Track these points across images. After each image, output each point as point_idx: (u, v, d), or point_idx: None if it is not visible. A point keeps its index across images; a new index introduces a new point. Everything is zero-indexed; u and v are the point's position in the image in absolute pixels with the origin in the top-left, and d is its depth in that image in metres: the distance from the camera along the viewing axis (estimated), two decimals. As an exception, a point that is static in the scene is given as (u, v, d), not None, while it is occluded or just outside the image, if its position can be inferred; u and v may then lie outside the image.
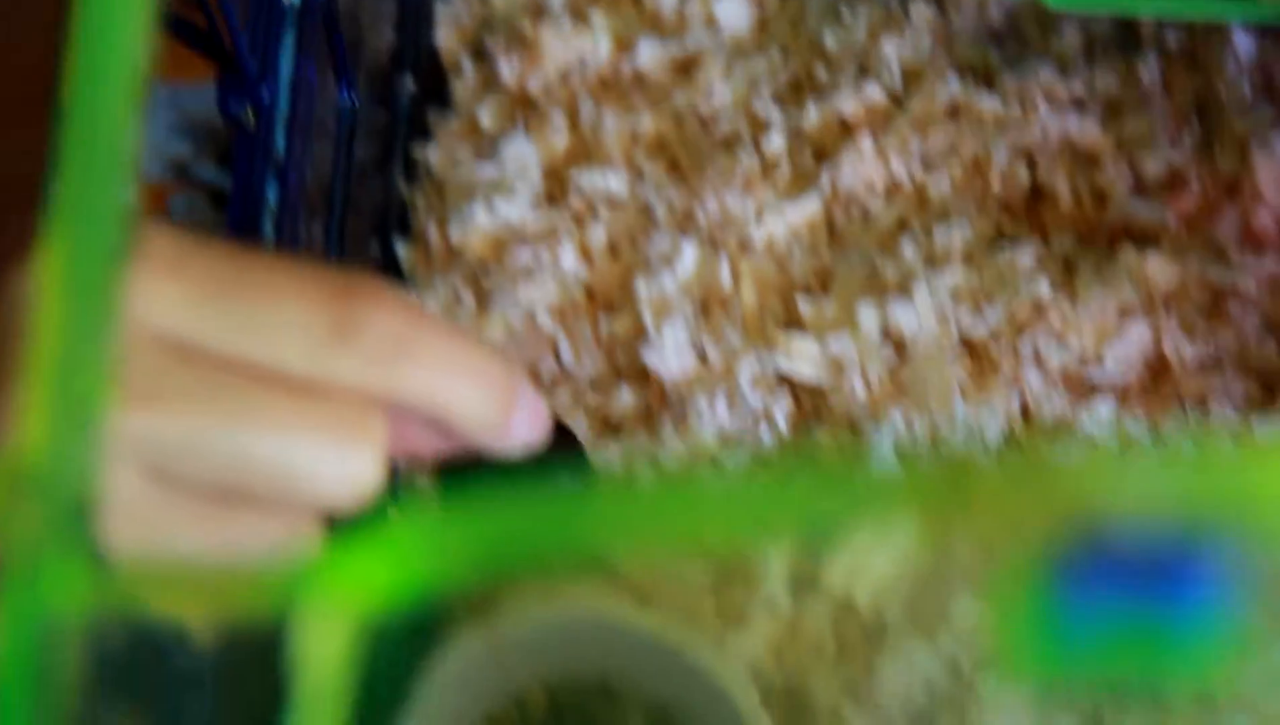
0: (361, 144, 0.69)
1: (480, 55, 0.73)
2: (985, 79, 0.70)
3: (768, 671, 0.60)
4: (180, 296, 0.39)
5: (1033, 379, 0.64)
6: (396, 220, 0.71)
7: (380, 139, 0.71)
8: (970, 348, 0.65)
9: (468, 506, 0.24)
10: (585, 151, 0.70)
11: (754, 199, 0.68)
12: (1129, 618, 0.20)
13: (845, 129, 0.70)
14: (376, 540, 0.24)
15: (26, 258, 0.37)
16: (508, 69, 0.72)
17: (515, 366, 0.42)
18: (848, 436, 0.63)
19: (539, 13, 0.72)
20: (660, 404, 0.65)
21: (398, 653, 0.56)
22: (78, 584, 0.25)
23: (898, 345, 0.65)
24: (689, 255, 0.66)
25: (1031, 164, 0.69)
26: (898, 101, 0.70)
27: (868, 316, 0.64)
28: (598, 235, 0.68)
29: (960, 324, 0.65)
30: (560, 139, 0.70)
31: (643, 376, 0.65)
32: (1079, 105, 0.69)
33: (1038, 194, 0.68)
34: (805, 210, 0.68)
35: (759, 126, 0.70)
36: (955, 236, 0.66)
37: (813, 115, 0.69)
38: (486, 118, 0.72)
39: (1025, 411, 0.64)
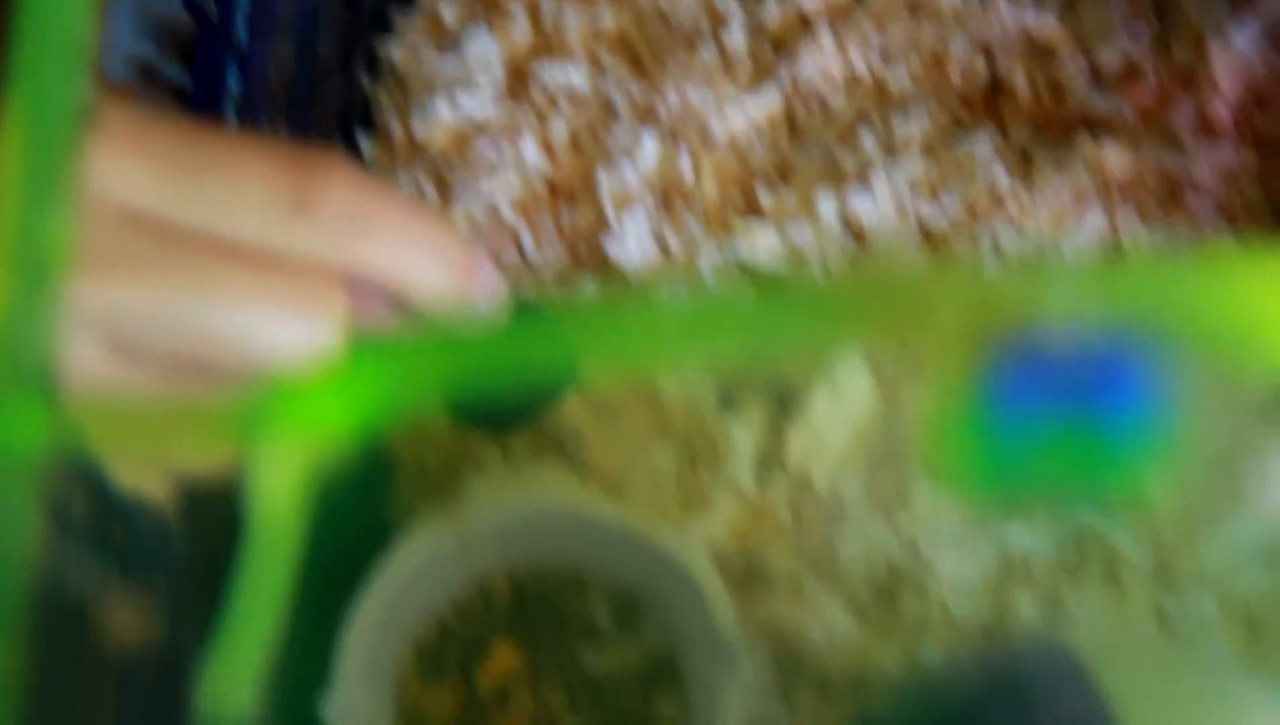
0: (324, 40, 0.69)
1: (442, -49, 0.73)
2: (944, -27, 0.71)
3: (730, 553, 0.60)
4: (141, 170, 0.39)
5: (991, 267, 0.64)
6: (359, 115, 0.71)
7: (343, 35, 0.71)
8: (929, 236, 0.65)
9: (416, 343, 0.24)
10: (547, 46, 0.70)
11: (714, 92, 0.68)
12: (1062, 426, 0.21)
13: (805, 23, 0.70)
14: (329, 377, 0.25)
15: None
16: (469, -36, 0.72)
17: (469, 238, 0.42)
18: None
19: (499, -92, 0.72)
20: (621, 293, 0.65)
21: (350, 523, 0.57)
22: (34, 423, 0.25)
23: (857, 234, 0.65)
24: (650, 148, 0.67)
25: (990, 57, 0.69)
26: (857, -5, 0.70)
27: (827, 206, 0.65)
28: (559, 129, 0.68)
29: (919, 213, 0.65)
30: (522, 34, 0.70)
31: (605, 267, 0.65)
32: (1037, -1, 0.70)
33: (996, 87, 0.69)
34: (765, 103, 0.68)
35: (719, 21, 0.70)
36: (914, 128, 0.67)
37: (773, 9, 0.70)
38: (449, 13, 0.72)
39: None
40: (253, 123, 0.61)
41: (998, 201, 0.65)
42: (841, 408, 0.62)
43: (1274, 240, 0.64)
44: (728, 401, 0.63)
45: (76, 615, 0.42)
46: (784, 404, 0.63)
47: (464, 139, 0.68)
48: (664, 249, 0.65)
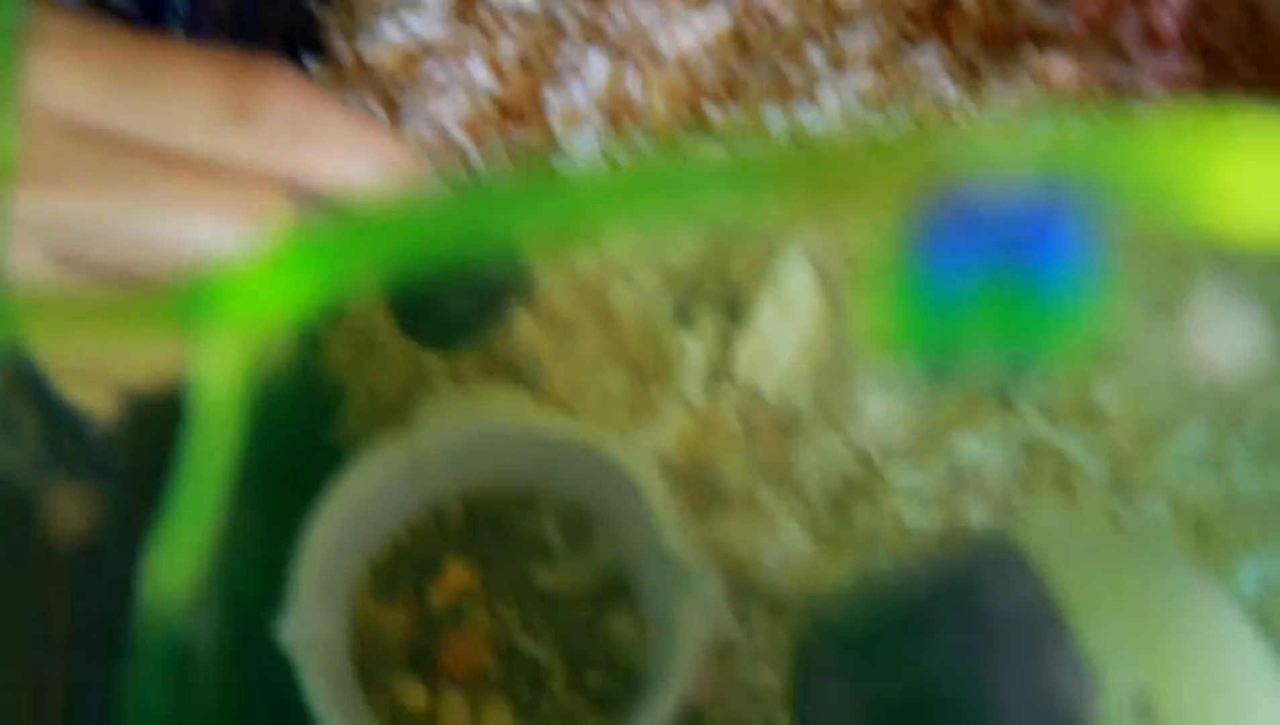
0: (268, -38, 0.69)
1: None
2: (891, -113, 0.70)
3: (683, 470, 0.61)
4: (83, 80, 0.39)
5: (939, 179, 0.64)
6: (306, 37, 0.70)
7: (287, -43, 0.71)
8: (877, 151, 0.65)
9: (354, 225, 0.24)
10: (493, -34, 0.70)
11: (662, 10, 0.68)
12: (994, 283, 0.21)
13: (752, -60, 0.70)
14: (268, 264, 0.25)
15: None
16: (413, -115, 0.71)
17: (411, 145, 0.42)
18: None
19: None
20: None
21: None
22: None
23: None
24: (598, 66, 0.66)
25: (936, -29, 0.69)
26: (805, -89, 0.70)
27: (775, 120, 0.65)
28: (507, 49, 0.68)
29: (866, 126, 0.65)
30: (468, -46, 0.70)
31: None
32: (984, -88, 0.69)
33: (944, 2, 0.69)
34: (713, 20, 0.68)
35: (666, -63, 0.70)
36: (861, 42, 0.67)
37: (720, -74, 0.69)
38: (393, -66, 0.71)
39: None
40: (198, 44, 0.61)
41: (945, 112, 0.65)
42: (788, 317, 0.62)
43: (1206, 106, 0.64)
44: (682, 315, 0.63)
45: (20, 510, 0.42)
46: (733, 315, 0.63)
47: (412, 60, 0.68)
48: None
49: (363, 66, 0.68)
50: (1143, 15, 0.67)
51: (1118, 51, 0.66)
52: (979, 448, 0.61)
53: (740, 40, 0.68)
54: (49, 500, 0.42)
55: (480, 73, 0.67)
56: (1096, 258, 0.20)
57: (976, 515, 0.61)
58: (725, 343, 0.62)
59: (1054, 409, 0.62)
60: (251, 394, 0.27)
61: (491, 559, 0.61)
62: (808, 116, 0.65)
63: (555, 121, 0.66)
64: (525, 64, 0.68)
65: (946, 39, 0.68)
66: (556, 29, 0.68)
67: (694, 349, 0.61)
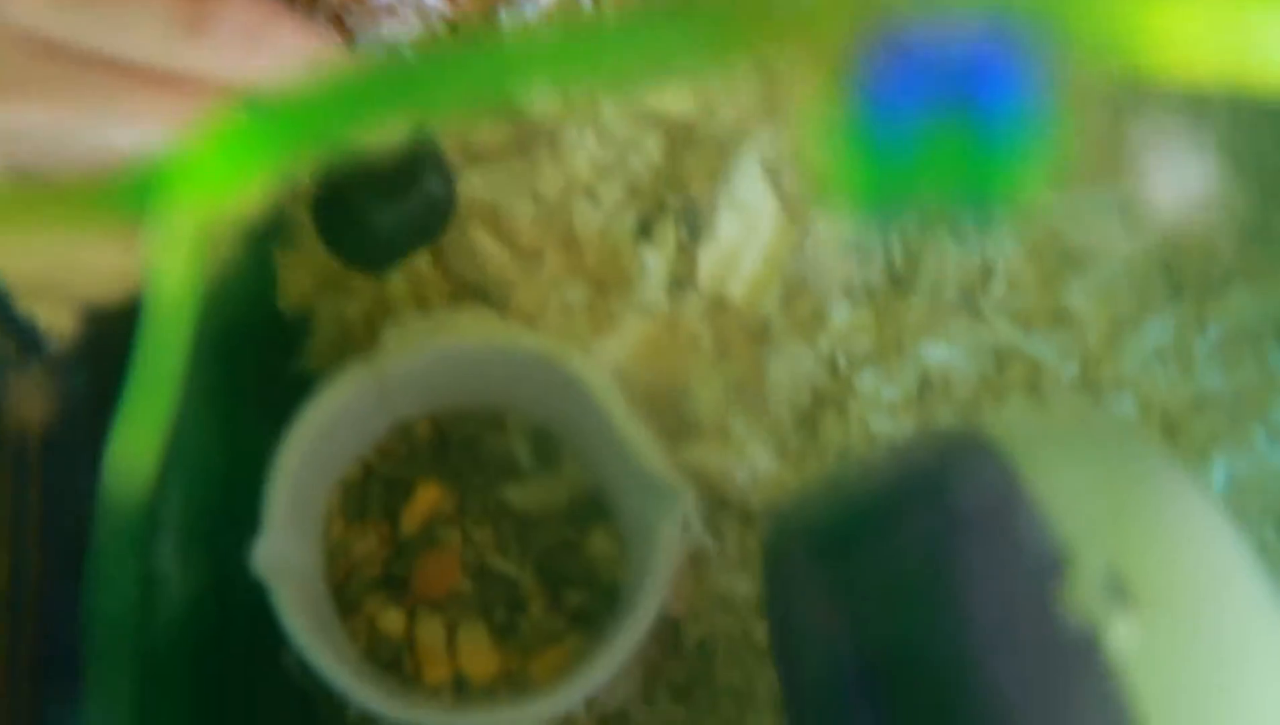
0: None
1: None
2: None
3: (648, 380, 0.61)
4: None
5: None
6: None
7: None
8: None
9: (299, 97, 0.24)
10: (442, -113, 0.69)
11: (614, -74, 0.67)
12: (940, 126, 0.20)
13: None
14: (215, 139, 0.25)
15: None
16: None
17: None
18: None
19: None
20: (531, 132, 0.65)
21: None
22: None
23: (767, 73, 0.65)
24: (551, -16, 0.66)
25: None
26: None
27: None
28: (458, -30, 0.67)
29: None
30: (416, -125, 0.69)
31: (509, 109, 0.65)
32: None
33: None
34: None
35: None
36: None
37: None
38: None
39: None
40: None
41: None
42: (748, 226, 0.62)
43: None
44: (643, 228, 0.63)
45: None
46: (693, 226, 0.63)
47: (363, -16, 0.67)
48: (564, 97, 0.65)
49: (314, -9, 0.68)
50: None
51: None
52: (946, 354, 0.62)
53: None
54: (10, 389, 0.42)
55: (432, -6, 0.67)
56: (1043, 97, 0.20)
57: (945, 422, 0.61)
58: (687, 253, 0.62)
59: (1022, 312, 0.62)
60: (207, 277, 0.27)
61: (462, 480, 0.61)
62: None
63: (510, 41, 0.65)
64: (477, -16, 0.67)
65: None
66: (508, -51, 0.68)
67: (654, 259, 0.61)
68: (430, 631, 0.59)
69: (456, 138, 0.64)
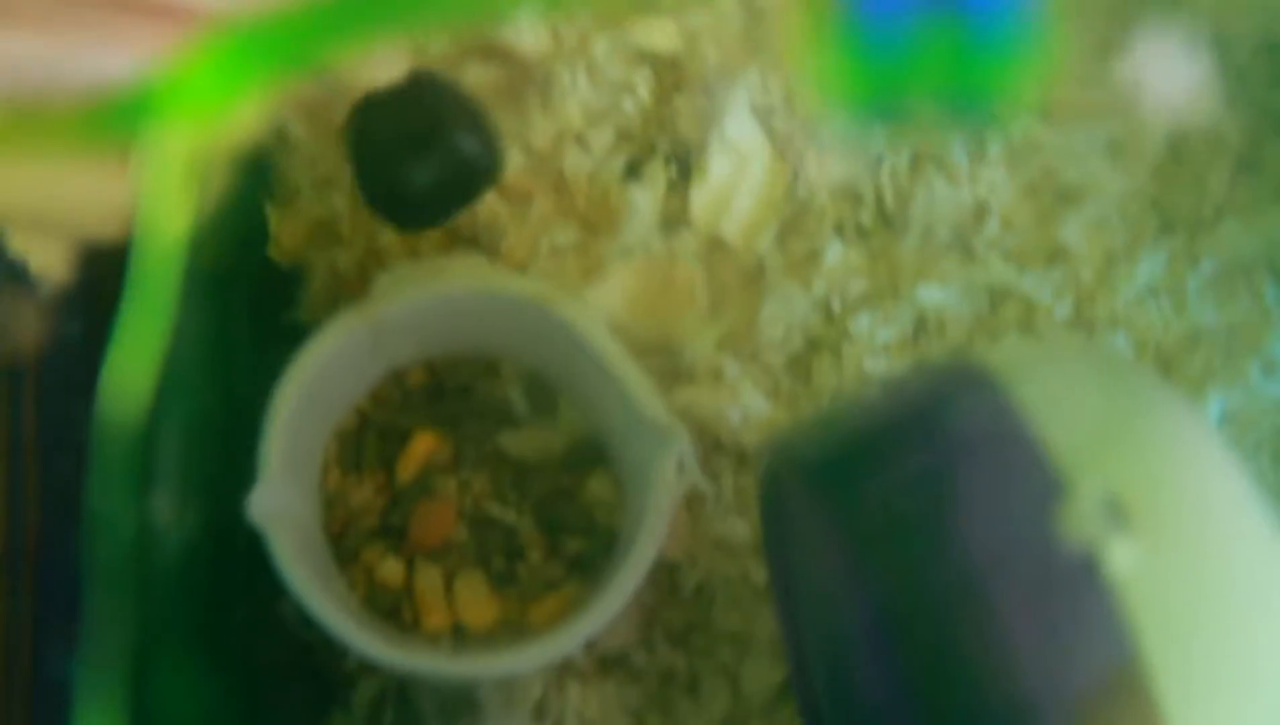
0: None
1: None
2: None
3: (640, 323, 0.60)
4: None
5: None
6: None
7: None
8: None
9: (285, 15, 0.24)
10: None
11: None
12: (934, 27, 0.20)
13: None
14: (206, 62, 0.24)
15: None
16: None
17: None
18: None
19: None
20: (523, 79, 0.64)
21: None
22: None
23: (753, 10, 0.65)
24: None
25: None
26: None
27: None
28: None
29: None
30: None
31: (494, 50, 0.64)
32: None
33: None
34: None
35: None
36: None
37: None
38: None
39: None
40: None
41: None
42: (740, 166, 0.62)
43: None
44: (633, 170, 0.63)
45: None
46: (685, 168, 0.63)
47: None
48: (556, 35, 0.65)
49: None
50: None
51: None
52: (940, 295, 0.61)
53: None
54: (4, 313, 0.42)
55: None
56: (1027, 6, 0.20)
57: (938, 359, 0.61)
58: (679, 193, 0.62)
59: (1016, 251, 0.62)
60: (199, 204, 0.27)
61: (458, 428, 0.61)
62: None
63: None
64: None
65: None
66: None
67: (644, 199, 0.61)
68: (428, 580, 0.59)
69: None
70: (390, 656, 0.53)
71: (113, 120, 0.24)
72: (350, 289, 0.61)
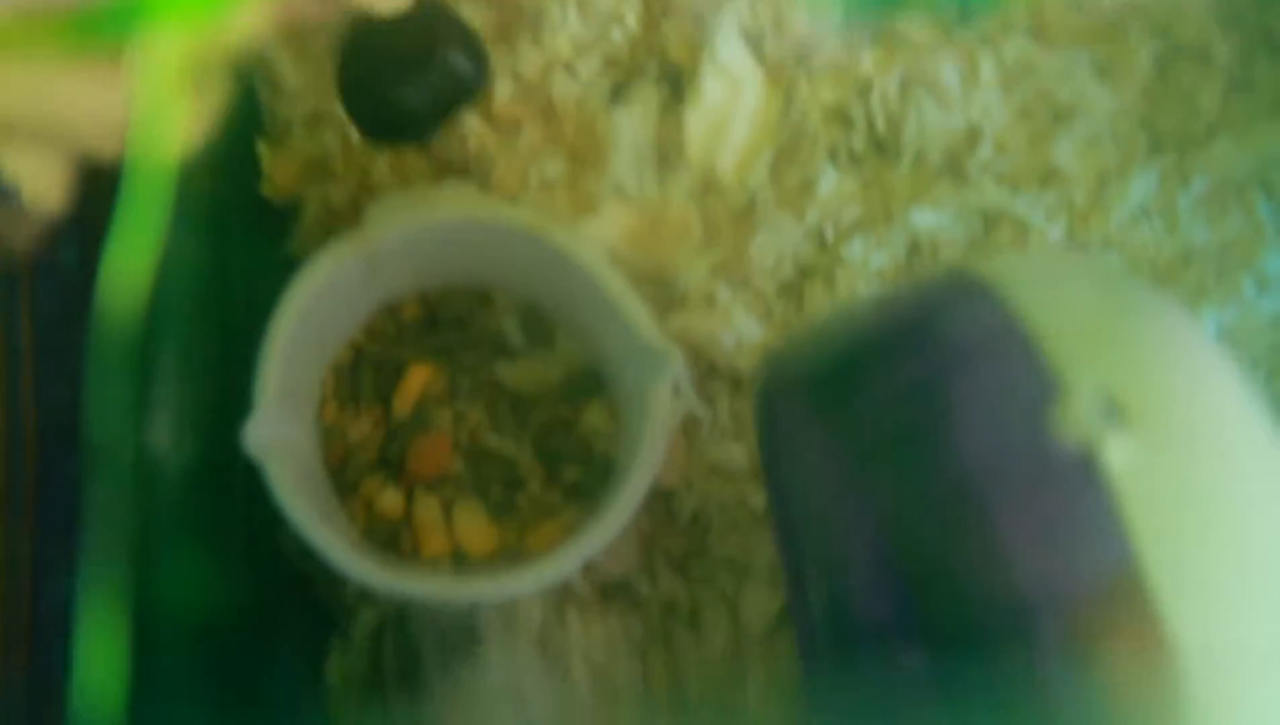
0: None
1: None
2: None
3: (633, 254, 0.60)
4: None
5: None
6: None
7: None
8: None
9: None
10: None
11: None
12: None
13: None
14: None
15: None
16: None
17: None
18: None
19: None
20: (515, 17, 0.64)
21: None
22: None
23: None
24: None
25: None
26: None
27: None
28: None
29: None
30: None
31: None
32: None
33: None
34: None
35: None
36: None
37: None
38: None
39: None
40: None
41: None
42: (733, 92, 0.62)
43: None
44: (619, 94, 0.63)
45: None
46: (677, 94, 0.63)
47: None
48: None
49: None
50: None
51: None
52: (934, 219, 0.61)
53: None
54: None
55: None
56: None
57: (934, 280, 0.61)
58: (673, 117, 0.62)
59: (1009, 174, 0.62)
60: (192, 107, 0.27)
61: (453, 360, 0.61)
62: None
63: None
64: None
65: None
66: None
67: (633, 123, 0.61)
68: (427, 509, 0.59)
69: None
70: (390, 582, 0.53)
71: (106, 22, 0.24)
72: (343, 221, 0.61)
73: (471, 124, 0.61)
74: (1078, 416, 0.39)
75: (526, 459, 0.60)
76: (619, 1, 0.64)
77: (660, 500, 0.60)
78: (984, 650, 0.40)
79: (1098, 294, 0.43)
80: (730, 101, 0.61)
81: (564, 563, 0.54)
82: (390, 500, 0.59)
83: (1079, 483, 0.39)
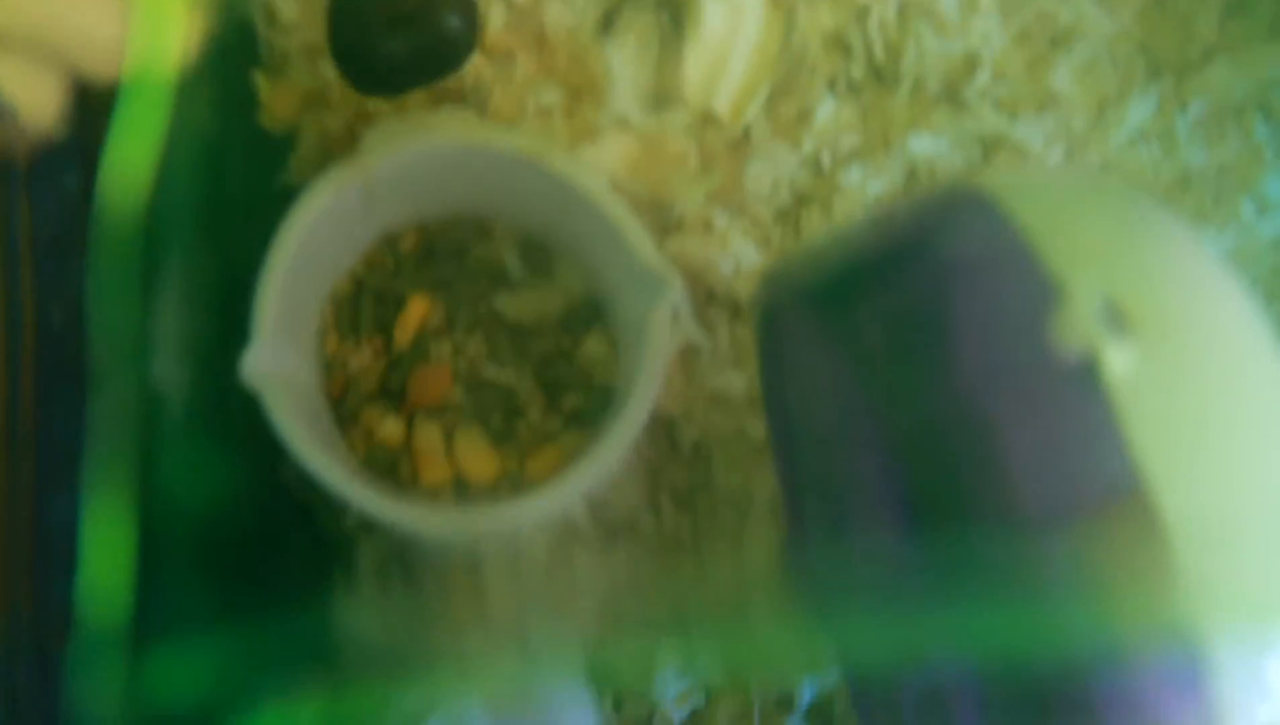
0: None
1: None
2: None
3: (630, 182, 0.60)
4: None
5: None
6: None
7: None
8: None
9: None
10: None
11: None
12: None
13: None
14: None
15: None
16: None
17: None
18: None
19: None
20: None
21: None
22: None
23: None
24: None
25: None
26: None
27: None
28: None
29: None
30: None
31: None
32: None
33: None
34: None
35: None
36: None
37: None
38: None
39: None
40: None
41: None
42: (734, 19, 0.61)
43: None
44: (610, 23, 0.62)
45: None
46: (677, 20, 0.62)
47: None
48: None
49: None
50: None
51: None
52: (932, 145, 0.61)
53: None
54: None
55: None
56: None
57: (933, 205, 0.60)
58: (671, 50, 0.62)
59: (1007, 100, 0.62)
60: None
61: (451, 291, 0.61)
62: None
63: None
64: None
65: None
66: None
67: (628, 56, 0.61)
68: (428, 436, 0.59)
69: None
70: (390, 509, 0.53)
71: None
72: (340, 149, 0.60)
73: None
74: (1079, 323, 0.39)
75: (526, 387, 0.60)
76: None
77: (662, 429, 0.60)
78: (986, 562, 0.40)
79: (1099, 205, 0.43)
80: (731, 30, 0.61)
81: (566, 490, 0.54)
82: (391, 428, 0.59)
83: (1081, 391, 0.39)
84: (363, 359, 0.60)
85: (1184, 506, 0.39)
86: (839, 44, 0.62)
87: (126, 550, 0.38)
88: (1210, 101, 0.61)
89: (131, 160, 0.25)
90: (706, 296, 0.60)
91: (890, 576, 0.44)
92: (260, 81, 0.63)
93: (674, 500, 0.61)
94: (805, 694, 0.59)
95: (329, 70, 0.62)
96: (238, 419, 0.57)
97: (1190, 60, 0.62)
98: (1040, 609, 0.38)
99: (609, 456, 0.54)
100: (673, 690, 0.60)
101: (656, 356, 0.55)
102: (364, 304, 0.60)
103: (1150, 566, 0.38)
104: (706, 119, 0.61)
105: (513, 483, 0.59)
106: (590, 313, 0.61)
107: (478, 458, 0.58)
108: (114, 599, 0.37)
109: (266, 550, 0.58)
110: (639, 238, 0.56)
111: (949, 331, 0.41)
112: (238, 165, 0.61)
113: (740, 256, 0.60)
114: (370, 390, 0.60)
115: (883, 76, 0.63)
